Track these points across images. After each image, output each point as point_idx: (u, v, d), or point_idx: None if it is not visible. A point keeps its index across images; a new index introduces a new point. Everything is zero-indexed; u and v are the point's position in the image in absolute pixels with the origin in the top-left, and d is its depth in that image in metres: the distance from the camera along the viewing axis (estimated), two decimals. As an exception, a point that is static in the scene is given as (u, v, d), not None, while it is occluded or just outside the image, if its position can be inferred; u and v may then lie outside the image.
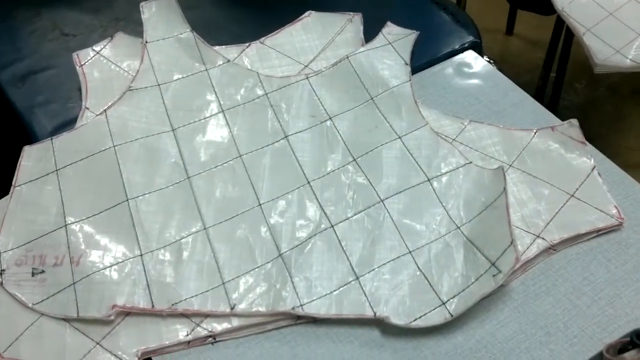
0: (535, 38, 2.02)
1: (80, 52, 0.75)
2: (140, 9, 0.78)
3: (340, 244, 0.63)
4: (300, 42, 0.80)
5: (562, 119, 0.74)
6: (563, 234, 0.64)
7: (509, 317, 0.60)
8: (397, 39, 0.79)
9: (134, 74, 0.74)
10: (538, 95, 1.57)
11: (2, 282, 0.59)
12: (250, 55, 0.78)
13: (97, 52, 0.76)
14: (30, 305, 0.58)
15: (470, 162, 0.68)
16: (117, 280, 0.59)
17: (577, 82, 1.83)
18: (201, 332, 0.58)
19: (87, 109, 0.71)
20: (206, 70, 0.75)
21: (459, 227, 0.64)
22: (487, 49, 0.86)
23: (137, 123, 0.70)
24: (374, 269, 0.62)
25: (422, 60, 0.80)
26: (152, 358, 0.57)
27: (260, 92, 0.74)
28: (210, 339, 0.58)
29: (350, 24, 0.81)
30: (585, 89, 1.83)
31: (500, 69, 0.82)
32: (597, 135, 1.58)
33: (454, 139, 0.71)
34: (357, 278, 0.61)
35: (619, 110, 1.74)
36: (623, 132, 1.69)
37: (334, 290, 0.60)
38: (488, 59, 0.85)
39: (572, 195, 0.67)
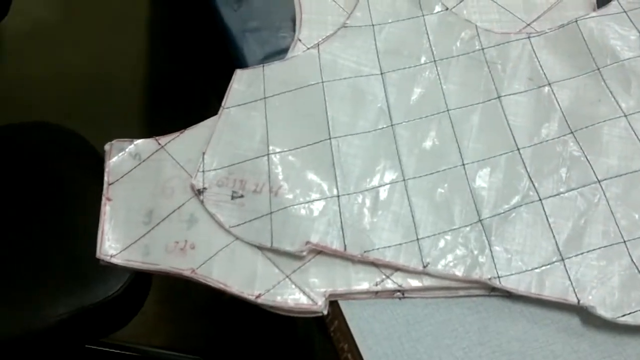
0: None
1: (299, -17, 0.74)
2: (362, -55, 0.75)
3: (548, 220, 0.59)
4: (524, -1, 0.74)
5: None
6: None
7: None
8: (634, 8, 0.71)
9: (350, 11, 0.72)
10: None
11: (202, 200, 0.60)
12: (470, 6, 0.74)
13: (315, -16, 0.74)
14: (227, 227, 0.59)
15: None
16: (313, 217, 0.59)
17: None
18: (390, 285, 0.56)
19: (300, 40, 0.70)
20: (423, 16, 0.72)
21: (683, 224, 0.58)
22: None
23: (347, 62, 0.68)
24: (582, 253, 0.57)
25: (658, 34, 0.72)
26: (338, 301, 0.56)
27: (477, 46, 0.70)
28: (398, 293, 0.56)
29: (583, -15, 0.74)
30: None
31: None
32: None
33: (688, 126, 0.64)
34: (563, 259, 0.57)
35: None
36: None
37: (536, 268, 0.56)
38: None
39: None
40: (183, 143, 0.63)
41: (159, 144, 0.63)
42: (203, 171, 0.61)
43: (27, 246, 0.87)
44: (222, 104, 0.65)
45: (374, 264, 0.57)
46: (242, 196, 0.60)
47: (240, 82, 0.66)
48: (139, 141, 0.63)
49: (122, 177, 0.62)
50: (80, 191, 0.90)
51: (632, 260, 0.56)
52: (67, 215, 0.89)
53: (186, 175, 0.62)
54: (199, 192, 0.60)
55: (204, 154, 0.62)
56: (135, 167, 0.62)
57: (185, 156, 0.63)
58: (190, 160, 0.62)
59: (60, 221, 0.88)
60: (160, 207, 0.60)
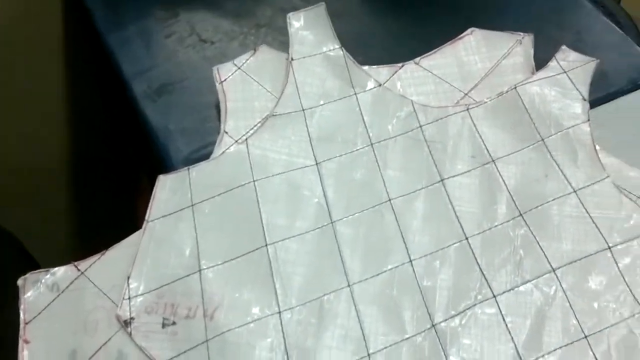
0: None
1: (221, 67, 0.69)
2: (287, 20, 0.70)
3: (504, 320, 0.55)
4: (460, 65, 0.71)
5: None
6: None
7: None
8: (573, 68, 0.69)
9: (277, 95, 0.67)
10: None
11: (131, 332, 0.55)
12: (404, 78, 0.70)
13: (239, 68, 0.69)
14: (160, 362, 0.53)
15: (659, 229, 0.58)
16: (253, 342, 0.54)
17: None
18: (343, 412, 0.52)
19: (226, 133, 0.65)
20: (355, 94, 0.68)
21: (645, 311, 0.55)
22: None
23: (278, 155, 0.64)
24: (542, 355, 0.53)
25: (598, 93, 0.70)
26: None
27: (414, 124, 0.66)
28: (352, 420, 0.52)
29: (519, 47, 0.71)
30: None
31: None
32: None
33: (638, 197, 0.61)
34: (524, 365, 0.53)
35: None
36: None
37: (496, 379, 0.53)
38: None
39: None
40: (105, 266, 0.58)
41: (79, 270, 0.57)
42: (129, 298, 0.56)
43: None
44: (146, 217, 0.59)
45: (324, 389, 0.53)
46: (174, 323, 0.55)
47: (164, 190, 0.61)
48: (56, 270, 0.57)
49: (39, 313, 0.56)
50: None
51: (595, 358, 0.53)
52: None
53: (111, 305, 0.56)
54: (126, 324, 0.55)
55: (128, 277, 0.57)
56: (53, 300, 0.56)
57: (108, 282, 0.57)
58: (115, 286, 0.57)
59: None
60: (83, 346, 0.54)
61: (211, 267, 0.57)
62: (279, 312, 0.55)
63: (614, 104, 0.70)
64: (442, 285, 0.57)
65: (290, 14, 0.71)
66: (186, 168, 0.62)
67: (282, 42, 0.73)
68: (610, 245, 0.58)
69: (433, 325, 0.55)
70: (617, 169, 0.63)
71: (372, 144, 0.65)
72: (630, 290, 0.56)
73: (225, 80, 0.69)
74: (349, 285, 0.57)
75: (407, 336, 0.55)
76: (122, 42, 0.76)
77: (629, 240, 0.58)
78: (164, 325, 0.55)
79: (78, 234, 1.07)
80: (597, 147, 0.63)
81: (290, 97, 0.67)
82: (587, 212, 0.60)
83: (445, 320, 0.55)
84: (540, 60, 0.70)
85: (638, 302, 0.55)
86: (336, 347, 0.54)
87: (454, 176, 0.63)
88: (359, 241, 0.59)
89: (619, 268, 0.57)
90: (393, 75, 0.70)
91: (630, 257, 0.57)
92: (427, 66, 0.71)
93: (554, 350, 0.54)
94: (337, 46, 0.70)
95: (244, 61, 0.70)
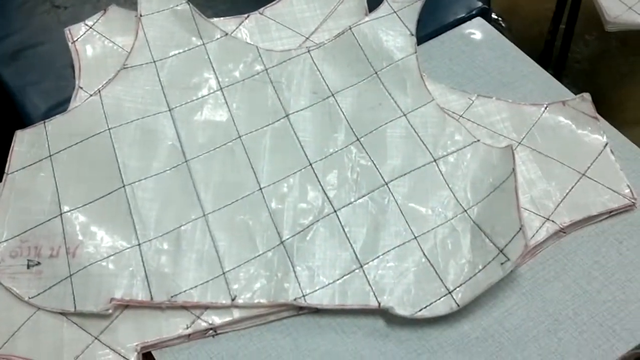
0: (543, -13, 1.96)
1: (73, 28, 0.72)
2: (134, -21, 0.74)
3: (344, 230, 0.61)
4: (301, 12, 0.77)
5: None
6: (574, 215, 0.62)
7: (517, 304, 0.59)
8: (402, 7, 0.75)
9: (129, 50, 0.71)
10: (547, 48, 1.52)
11: (-3, 276, 0.58)
12: (249, 27, 0.75)
13: (90, 27, 0.73)
14: (26, 299, 0.57)
15: (478, 140, 0.66)
16: (115, 272, 0.58)
17: (587, 33, 1.78)
18: (201, 324, 0.57)
19: (81, 88, 0.69)
20: (203, 44, 0.72)
21: (465, 211, 0.62)
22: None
23: (132, 103, 0.68)
24: (378, 256, 0.60)
25: (427, 29, 0.77)
26: (152, 352, 0.56)
27: (259, 67, 0.71)
28: (210, 331, 0.57)
29: (353, -8, 0.78)
30: (595, 41, 1.78)
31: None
32: (606, 88, 1.54)
33: (460, 116, 0.69)
34: (361, 266, 0.59)
35: (631, 63, 1.69)
36: (634, 85, 1.64)
37: (337, 280, 0.59)
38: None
39: (584, 175, 0.65)
40: (-32, 220, 0.61)
41: (-58, 224, 0.60)
42: None
43: None
44: (5, 170, 0.63)
45: (184, 307, 0.57)
46: (38, 263, 0.59)
47: (22, 144, 0.64)
48: None
49: None
50: None
51: (423, 254, 0.60)
52: None
53: (-24, 254, 0.59)
54: (-9, 269, 0.58)
55: (-9, 227, 0.60)
56: None
57: None
58: None
59: None
60: (-49, 293, 0.57)
61: (72, 211, 0.61)
62: (139, 245, 0.60)
63: (440, 38, 0.77)
64: (288, 207, 0.63)
65: (136, -27, 0.75)
66: (42, 122, 0.66)
67: (133, 3, 0.77)
68: (436, 157, 0.65)
69: (282, 242, 0.61)
70: (442, 93, 0.70)
71: (221, 88, 0.70)
72: (454, 195, 0.63)
73: (77, 40, 0.72)
74: (204, 215, 0.62)
75: (258, 254, 0.60)
76: (-25, 12, 0.78)
77: (452, 153, 0.65)
78: (29, 266, 0.59)
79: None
80: (424, 75, 0.70)
81: (140, 50, 0.71)
82: (415, 132, 0.67)
83: (293, 236, 0.61)
84: (375, 5, 0.77)
85: (460, 204, 0.62)
86: (194, 269, 0.59)
87: (297, 111, 0.69)
88: (213, 176, 0.64)
89: (443, 177, 0.64)
90: (239, 25, 0.75)
91: (452, 167, 0.64)
92: (271, 15, 0.76)
93: (388, 251, 0.60)
94: (183, 1, 0.74)
95: (94, 21, 0.73)
